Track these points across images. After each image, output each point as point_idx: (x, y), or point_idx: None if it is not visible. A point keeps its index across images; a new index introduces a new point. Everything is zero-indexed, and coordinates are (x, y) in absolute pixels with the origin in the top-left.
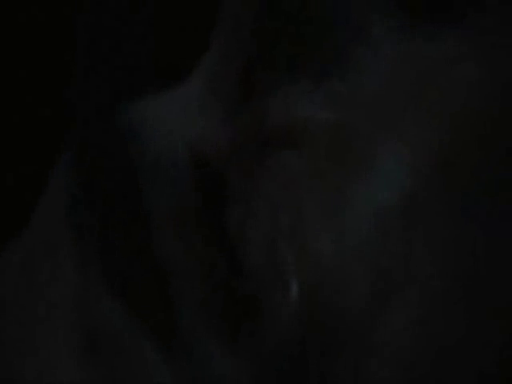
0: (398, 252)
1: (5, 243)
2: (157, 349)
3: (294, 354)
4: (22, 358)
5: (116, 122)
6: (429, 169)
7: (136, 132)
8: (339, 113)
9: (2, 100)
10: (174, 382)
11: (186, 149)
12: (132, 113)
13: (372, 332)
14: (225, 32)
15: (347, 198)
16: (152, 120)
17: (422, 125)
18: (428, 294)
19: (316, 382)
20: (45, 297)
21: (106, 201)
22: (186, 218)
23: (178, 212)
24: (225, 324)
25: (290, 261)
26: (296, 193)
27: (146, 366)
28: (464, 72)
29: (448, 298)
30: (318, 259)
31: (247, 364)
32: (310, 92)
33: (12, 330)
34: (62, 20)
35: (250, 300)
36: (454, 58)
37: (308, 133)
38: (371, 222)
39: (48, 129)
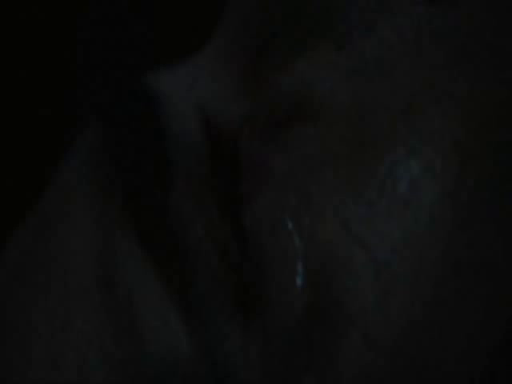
0: (401, 244)
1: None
2: (174, 311)
3: (298, 336)
4: (40, 308)
5: (134, 90)
6: (442, 162)
7: (152, 100)
8: (358, 87)
9: (2, 100)
10: (188, 344)
11: (199, 119)
12: (146, 84)
13: (373, 324)
14: (236, 6)
15: (356, 186)
16: (165, 91)
17: (439, 116)
18: (431, 290)
19: (318, 363)
20: (63, 250)
21: (131, 159)
22: (204, 185)
23: (196, 178)
24: (236, 302)
25: (297, 244)
26: (306, 175)
27: (160, 324)
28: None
29: (452, 292)
30: (325, 246)
31: (256, 341)
32: (330, 64)
33: (32, 279)
34: (63, 19)
35: (259, 282)
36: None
37: (325, 108)
38: (378, 211)
39: (48, 129)
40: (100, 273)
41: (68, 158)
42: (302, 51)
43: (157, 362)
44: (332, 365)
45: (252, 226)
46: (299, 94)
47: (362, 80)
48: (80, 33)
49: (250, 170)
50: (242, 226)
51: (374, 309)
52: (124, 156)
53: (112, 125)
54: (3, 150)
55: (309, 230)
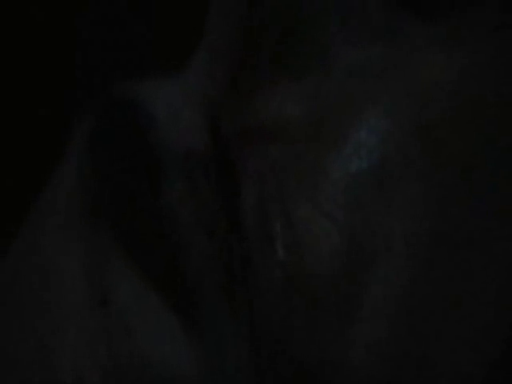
0: (372, 219)
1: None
2: (169, 311)
3: (281, 311)
4: (35, 320)
5: (125, 100)
6: (401, 134)
7: (140, 108)
8: (317, 106)
9: (2, 100)
10: (186, 351)
11: (192, 125)
12: (135, 93)
13: (351, 300)
14: (214, 29)
15: (322, 168)
16: (155, 100)
17: (396, 96)
18: (405, 263)
19: (299, 336)
20: (56, 264)
21: (122, 168)
22: (198, 190)
23: (189, 182)
24: (225, 280)
25: (275, 225)
26: (280, 167)
27: (155, 331)
28: (435, 59)
29: (425, 266)
30: (298, 225)
31: (244, 318)
32: (291, 90)
33: (25, 297)
34: (63, 19)
35: (245, 258)
36: (428, 51)
37: (286, 129)
38: (345, 188)
39: (48, 129)
40: (93, 279)
41: (60, 163)
42: (271, 74)
43: (153, 369)
44: (314, 336)
45: (241, 209)
46: (265, 116)
47: (325, 96)
48: (79, 33)
49: (235, 169)
50: (231, 206)
51: (351, 286)
52: (116, 165)
53: (104, 134)
54: (3, 150)
55: (285, 214)
